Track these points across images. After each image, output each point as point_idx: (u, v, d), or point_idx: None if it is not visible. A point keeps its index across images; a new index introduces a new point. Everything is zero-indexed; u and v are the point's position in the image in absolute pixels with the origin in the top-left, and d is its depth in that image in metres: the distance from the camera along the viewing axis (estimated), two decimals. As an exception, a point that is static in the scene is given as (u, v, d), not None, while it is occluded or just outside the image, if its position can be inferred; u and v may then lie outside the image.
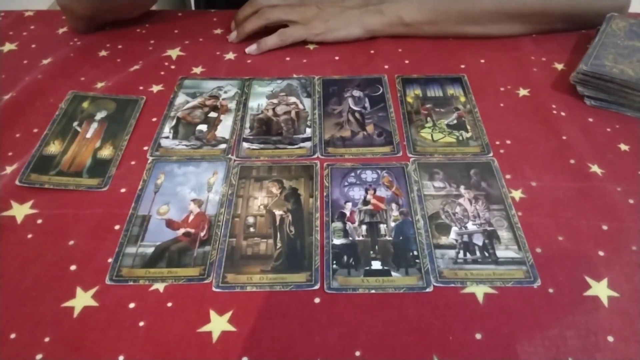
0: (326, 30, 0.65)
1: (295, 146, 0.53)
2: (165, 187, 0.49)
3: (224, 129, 0.55)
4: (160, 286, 0.41)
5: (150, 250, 0.43)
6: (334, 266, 0.42)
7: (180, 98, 0.59)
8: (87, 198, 0.48)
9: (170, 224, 0.45)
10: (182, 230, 0.45)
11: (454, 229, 0.45)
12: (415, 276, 0.41)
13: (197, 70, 0.63)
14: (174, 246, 0.44)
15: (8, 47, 0.67)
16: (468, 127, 0.55)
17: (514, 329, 0.38)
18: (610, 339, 0.37)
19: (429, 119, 0.56)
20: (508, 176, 0.49)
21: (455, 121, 0.56)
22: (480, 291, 0.40)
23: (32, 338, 0.38)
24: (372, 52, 0.66)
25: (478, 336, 0.38)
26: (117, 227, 0.45)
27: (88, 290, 0.40)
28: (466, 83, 0.61)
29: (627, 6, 0.68)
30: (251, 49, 0.66)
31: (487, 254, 0.43)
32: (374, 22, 0.66)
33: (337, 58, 0.65)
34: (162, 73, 0.63)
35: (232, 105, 0.58)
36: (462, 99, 0.59)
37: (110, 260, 0.42)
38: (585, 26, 0.68)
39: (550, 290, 0.40)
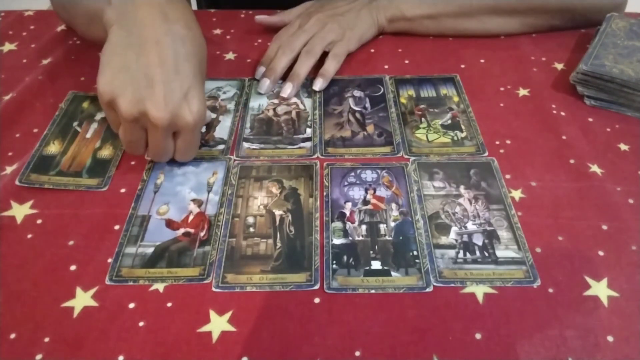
0: (356, 36, 0.64)
1: (295, 146, 0.53)
2: (165, 187, 0.49)
3: (222, 129, 0.55)
4: (160, 286, 0.41)
5: (150, 250, 0.43)
6: (334, 266, 0.42)
7: (180, 98, 0.59)
8: (87, 198, 0.48)
9: (170, 224, 0.45)
10: (181, 230, 0.45)
11: (454, 228, 0.45)
12: (415, 276, 0.41)
13: (197, 70, 0.63)
14: (173, 246, 0.44)
15: (8, 47, 0.67)
16: (462, 127, 0.55)
17: (513, 329, 0.38)
18: (610, 339, 0.37)
19: (423, 119, 0.56)
20: (508, 176, 0.49)
21: (449, 121, 0.56)
22: (480, 291, 0.40)
23: (32, 338, 0.38)
24: (372, 51, 0.66)
25: (478, 336, 0.38)
26: (117, 227, 0.45)
27: (88, 290, 0.41)
28: (459, 83, 0.61)
29: (625, 3, 0.68)
30: (317, 85, 0.59)
31: (487, 254, 0.43)
32: (380, 17, 0.66)
33: (337, 58, 0.65)
34: (162, 73, 0.63)
35: (230, 106, 0.58)
36: (456, 98, 0.59)
37: (110, 260, 0.42)
38: (583, 23, 0.68)
39: (550, 290, 0.40)
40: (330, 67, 0.60)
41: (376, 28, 0.67)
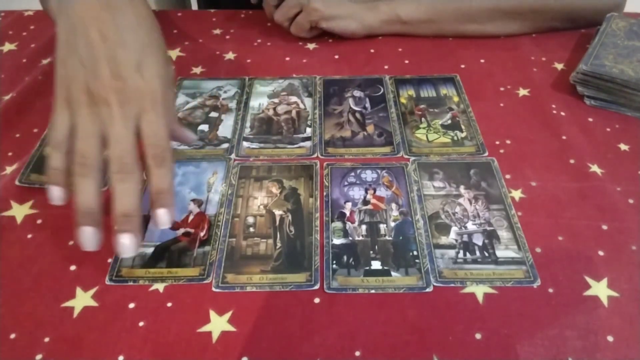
0: (326, 13, 0.64)
1: (295, 145, 0.53)
2: None
3: (225, 128, 0.55)
4: (160, 286, 0.41)
5: (150, 250, 0.43)
6: (334, 266, 0.42)
7: (180, 99, 0.59)
8: (87, 198, 0.48)
9: None
10: (181, 230, 0.45)
11: (454, 228, 0.45)
12: (415, 276, 0.41)
13: (197, 70, 0.63)
14: (173, 246, 0.44)
15: (8, 47, 0.67)
16: (462, 127, 0.55)
17: (513, 329, 0.38)
18: (610, 338, 0.37)
19: (423, 119, 0.56)
20: (508, 176, 0.49)
21: (449, 121, 0.56)
22: (480, 291, 0.40)
23: (32, 338, 0.38)
24: (372, 51, 0.66)
25: (478, 336, 0.38)
26: (116, 227, 0.45)
27: (88, 290, 0.41)
28: (459, 83, 0.61)
29: (623, 4, 0.68)
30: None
31: (487, 254, 0.43)
32: (372, 18, 0.66)
33: (336, 57, 0.65)
34: (162, 73, 0.63)
35: (232, 104, 0.58)
36: (456, 98, 0.59)
37: (110, 260, 0.42)
38: (582, 24, 0.68)
39: (550, 290, 0.40)
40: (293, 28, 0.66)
41: (359, 26, 0.66)
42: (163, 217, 0.39)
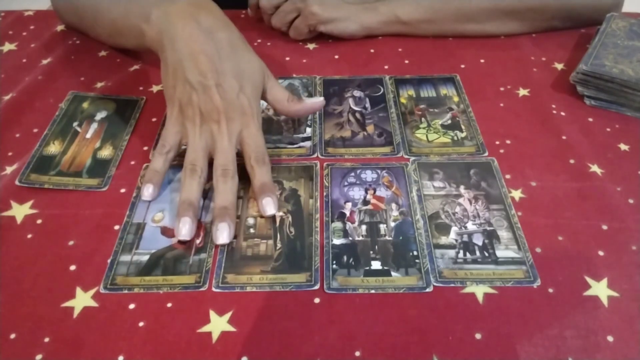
0: (324, 17, 0.64)
1: (295, 146, 0.53)
2: (160, 194, 0.48)
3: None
4: (160, 286, 0.41)
5: (145, 258, 0.43)
6: (334, 266, 0.42)
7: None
8: (87, 198, 0.48)
9: (165, 231, 0.45)
10: (177, 238, 0.44)
11: (454, 228, 0.45)
12: (415, 276, 0.41)
13: (197, 70, 0.63)
14: (169, 254, 0.43)
15: (8, 47, 0.67)
16: (462, 127, 0.55)
17: (513, 329, 0.38)
18: (610, 339, 0.37)
19: (423, 119, 0.56)
20: (508, 176, 0.49)
21: (449, 121, 0.56)
22: (480, 291, 0.40)
23: (32, 338, 0.38)
24: (372, 51, 0.66)
25: (478, 336, 0.38)
26: (116, 227, 0.45)
27: (88, 290, 0.41)
28: (459, 83, 0.61)
29: (622, 2, 0.69)
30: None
31: (487, 254, 0.43)
32: (370, 19, 0.66)
33: (336, 57, 0.65)
34: (162, 73, 0.63)
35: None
36: (456, 98, 0.59)
37: (110, 260, 0.42)
38: (582, 23, 0.68)
39: (550, 290, 0.40)
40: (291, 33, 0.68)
41: (358, 27, 0.66)
42: (267, 206, 0.45)
